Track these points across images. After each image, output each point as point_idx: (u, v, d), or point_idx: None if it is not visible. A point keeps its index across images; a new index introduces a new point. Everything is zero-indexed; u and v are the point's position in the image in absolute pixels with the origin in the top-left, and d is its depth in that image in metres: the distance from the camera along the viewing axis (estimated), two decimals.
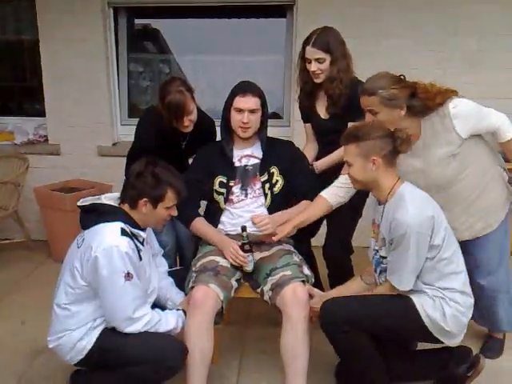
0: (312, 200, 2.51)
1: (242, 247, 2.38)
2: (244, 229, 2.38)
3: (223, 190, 2.55)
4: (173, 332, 2.23)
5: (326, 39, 2.55)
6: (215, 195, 2.57)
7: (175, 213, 2.23)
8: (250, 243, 2.39)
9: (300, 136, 2.96)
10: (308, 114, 2.82)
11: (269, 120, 2.62)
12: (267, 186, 2.55)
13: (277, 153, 2.59)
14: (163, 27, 4.35)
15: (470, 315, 2.16)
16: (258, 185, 2.56)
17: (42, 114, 4.23)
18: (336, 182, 2.47)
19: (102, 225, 2.08)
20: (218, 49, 4.21)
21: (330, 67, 2.56)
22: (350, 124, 2.49)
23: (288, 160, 2.59)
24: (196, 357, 2.20)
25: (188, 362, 2.20)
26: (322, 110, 2.71)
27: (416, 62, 3.74)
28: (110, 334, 2.13)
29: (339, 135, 2.47)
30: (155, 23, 4.40)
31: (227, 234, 2.54)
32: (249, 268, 2.40)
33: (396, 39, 3.72)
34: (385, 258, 2.16)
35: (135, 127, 2.85)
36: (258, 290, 2.39)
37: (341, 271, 2.71)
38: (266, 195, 2.55)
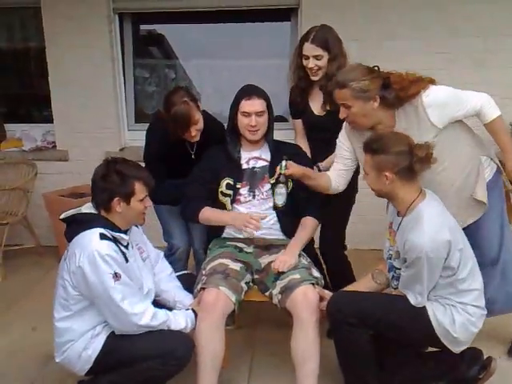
0: (313, 216, 2.56)
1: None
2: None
3: (230, 192, 2.56)
4: (183, 332, 2.23)
5: (325, 36, 2.57)
6: (221, 197, 2.57)
7: (150, 203, 2.24)
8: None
9: None
10: (300, 110, 2.81)
11: (275, 123, 2.63)
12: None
13: (284, 155, 2.60)
14: (168, 32, 4.38)
15: (480, 325, 2.14)
16: (267, 187, 2.56)
17: (49, 120, 4.25)
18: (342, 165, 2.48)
19: (81, 234, 2.10)
20: (223, 53, 4.23)
21: (328, 64, 2.57)
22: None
23: (295, 162, 2.59)
24: (207, 360, 2.20)
25: (199, 365, 2.20)
26: (316, 107, 2.72)
27: (420, 63, 3.72)
28: (115, 337, 2.15)
29: (332, 133, 2.48)
30: (160, 28, 4.42)
31: (234, 238, 2.57)
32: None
33: (399, 41, 3.73)
34: (398, 268, 2.16)
35: (145, 135, 2.87)
36: (267, 294, 2.40)
37: (337, 267, 2.73)
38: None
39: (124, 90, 4.25)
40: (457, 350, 2.15)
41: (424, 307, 2.09)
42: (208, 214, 2.54)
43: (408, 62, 3.71)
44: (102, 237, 2.07)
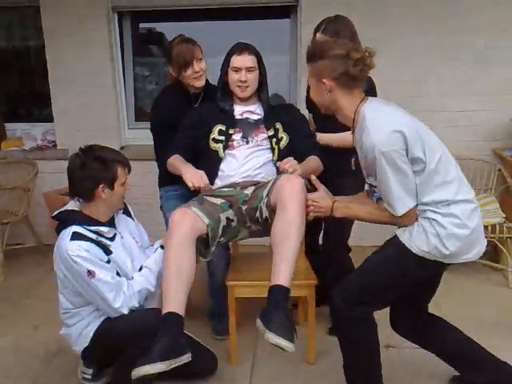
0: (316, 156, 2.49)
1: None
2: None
3: (222, 138, 2.52)
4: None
5: (337, 27, 2.54)
6: (213, 144, 2.52)
7: (129, 186, 2.26)
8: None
9: None
10: (311, 105, 2.76)
11: None
12: (274, 140, 2.53)
13: (278, 112, 2.60)
14: (168, 31, 4.36)
15: (475, 222, 1.94)
16: (261, 136, 2.53)
17: (50, 119, 4.25)
18: None
19: (60, 233, 2.15)
20: (223, 51, 4.19)
21: None
22: None
23: (290, 119, 2.58)
24: (172, 274, 2.11)
25: (164, 281, 2.14)
26: None
27: (423, 60, 3.74)
28: (106, 320, 2.21)
29: (334, 131, 2.45)
30: (160, 27, 4.41)
31: (229, 185, 2.48)
32: None
33: (401, 39, 3.72)
34: (376, 186, 2.02)
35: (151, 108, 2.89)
36: (257, 215, 2.33)
37: (339, 270, 2.61)
38: (273, 150, 2.52)
39: (124, 88, 4.25)
40: (462, 258, 1.98)
41: (405, 248, 1.95)
42: (173, 161, 2.52)
43: (410, 59, 3.74)
44: (74, 236, 2.09)
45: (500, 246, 3.45)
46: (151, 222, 2.94)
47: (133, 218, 2.44)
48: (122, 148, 4.19)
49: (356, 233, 2.79)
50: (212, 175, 2.49)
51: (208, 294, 2.84)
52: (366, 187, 2.16)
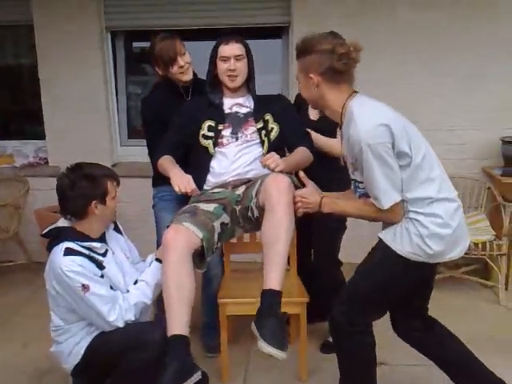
0: (305, 146, 2.48)
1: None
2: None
3: (211, 134, 2.50)
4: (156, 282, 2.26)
5: None
6: (203, 140, 2.50)
7: (117, 199, 2.26)
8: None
9: None
10: (299, 110, 2.75)
11: None
12: (263, 132, 2.52)
13: (268, 103, 2.59)
14: None
15: (456, 220, 1.94)
16: (251, 130, 2.51)
17: (41, 136, 4.26)
18: None
19: (52, 250, 2.14)
20: None
21: None
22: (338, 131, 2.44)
23: (280, 109, 2.58)
24: (173, 294, 2.09)
25: (166, 301, 2.12)
26: (313, 111, 2.70)
27: (413, 78, 3.78)
28: (99, 335, 2.19)
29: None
30: None
31: (220, 186, 2.47)
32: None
33: (390, 56, 3.77)
34: (361, 182, 2.02)
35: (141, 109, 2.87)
36: (250, 214, 2.32)
37: (331, 284, 2.65)
38: (262, 142, 2.51)
39: (117, 106, 4.27)
40: (447, 257, 1.98)
41: (390, 250, 1.95)
42: (162, 162, 2.49)
43: (401, 76, 3.78)
44: (67, 252, 2.09)
45: (490, 263, 3.47)
46: (143, 238, 2.93)
47: (123, 235, 2.44)
48: (114, 165, 4.19)
49: (346, 248, 2.80)
50: (203, 172, 2.50)
51: (201, 309, 2.83)
52: (351, 184, 2.16)
